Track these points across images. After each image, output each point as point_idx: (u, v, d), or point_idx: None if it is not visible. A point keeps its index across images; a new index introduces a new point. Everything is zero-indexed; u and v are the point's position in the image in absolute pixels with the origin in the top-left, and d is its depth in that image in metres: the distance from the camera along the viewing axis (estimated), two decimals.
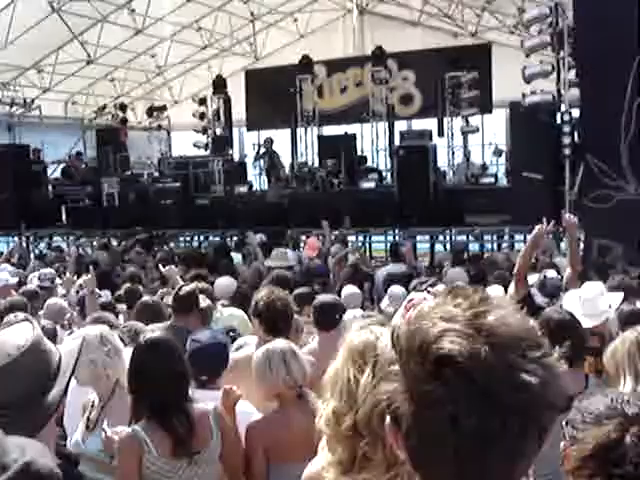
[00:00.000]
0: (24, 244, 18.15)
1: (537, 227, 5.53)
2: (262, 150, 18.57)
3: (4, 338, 2.03)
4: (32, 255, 16.26)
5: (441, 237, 15.46)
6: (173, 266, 7.82)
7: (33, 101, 21.05)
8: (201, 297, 5.55)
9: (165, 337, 3.62)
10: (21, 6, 17.57)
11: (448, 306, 1.09)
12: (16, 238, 18.30)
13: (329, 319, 5.01)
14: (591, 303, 4.72)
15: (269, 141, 18.90)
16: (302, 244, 13.55)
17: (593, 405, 2.03)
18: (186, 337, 4.19)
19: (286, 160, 19.65)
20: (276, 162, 18.50)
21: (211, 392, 3.79)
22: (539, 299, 5.61)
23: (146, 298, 6.18)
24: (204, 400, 3.46)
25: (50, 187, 20.11)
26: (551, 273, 6.31)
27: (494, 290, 6.07)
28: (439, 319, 1.07)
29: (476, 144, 17.52)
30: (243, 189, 17.53)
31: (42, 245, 18.69)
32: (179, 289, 5.50)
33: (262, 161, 18.53)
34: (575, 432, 1.98)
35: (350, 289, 7.28)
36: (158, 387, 3.24)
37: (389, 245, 12.86)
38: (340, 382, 1.95)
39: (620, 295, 5.00)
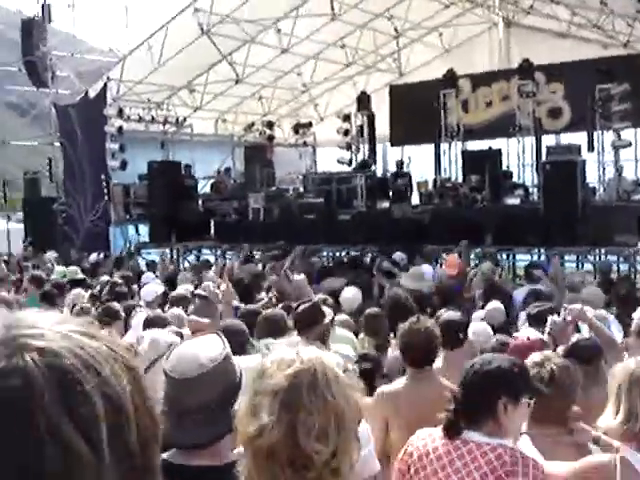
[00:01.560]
0: (174, 256, 18.96)
1: None
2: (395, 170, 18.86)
3: (197, 349, 2.21)
4: (181, 267, 16.95)
5: (589, 257, 14.87)
6: (303, 276, 7.87)
7: (185, 119, 21.99)
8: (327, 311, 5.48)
9: None
10: (173, 29, 18.40)
11: None
12: (167, 250, 19.16)
13: (452, 338, 4.94)
14: None
15: (400, 163, 19.42)
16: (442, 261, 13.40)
17: None
18: None
19: (429, 175, 19.56)
20: (410, 182, 18.76)
21: None
22: None
23: (268, 312, 6.23)
24: None
25: (200, 202, 20.90)
26: None
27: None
28: None
29: (629, 159, 16.74)
30: (385, 205, 17.56)
31: (191, 257, 19.44)
32: (300, 303, 5.50)
33: (399, 181, 18.63)
34: None
35: (494, 304, 7.16)
36: None
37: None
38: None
39: None
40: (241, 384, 2.25)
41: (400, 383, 4.25)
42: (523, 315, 6.67)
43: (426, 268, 11.09)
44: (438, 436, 2.96)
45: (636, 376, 3.05)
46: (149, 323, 5.71)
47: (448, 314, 5.50)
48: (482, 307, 7.72)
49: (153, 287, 9.08)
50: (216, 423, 2.19)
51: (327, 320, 5.11)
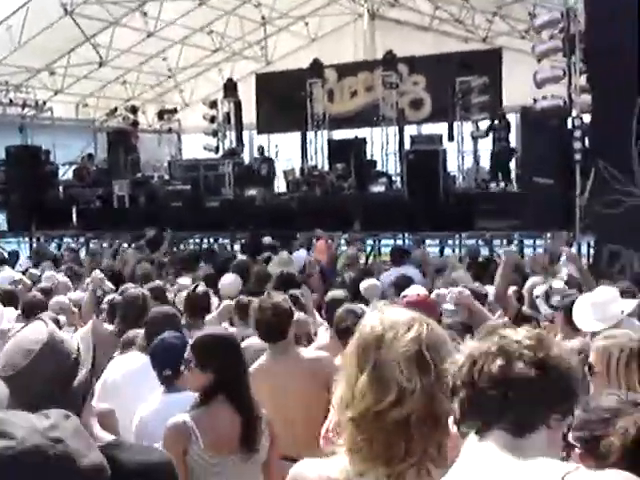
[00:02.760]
0: (34, 245, 18.26)
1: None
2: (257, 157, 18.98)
3: (20, 337, 2.10)
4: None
5: (450, 242, 15.44)
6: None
7: (45, 103, 21.15)
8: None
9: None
10: (34, 8, 17.69)
11: None
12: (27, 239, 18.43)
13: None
14: (602, 307, 4.70)
15: (261, 149, 19.57)
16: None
17: (604, 404, 2.05)
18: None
19: (296, 164, 19.75)
20: (272, 168, 19.04)
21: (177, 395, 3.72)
22: (543, 308, 5.65)
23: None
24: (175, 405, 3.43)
25: (61, 189, 20.21)
26: (557, 283, 6.28)
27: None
28: None
29: (486, 149, 17.50)
30: (253, 192, 17.59)
31: (52, 246, 18.78)
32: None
33: (261, 167, 18.71)
34: (598, 431, 2.00)
35: (369, 281, 7.35)
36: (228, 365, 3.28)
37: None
38: (347, 371, 1.90)
39: (634, 301, 4.96)
40: (78, 360, 2.10)
41: (261, 360, 4.30)
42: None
43: (299, 253, 11.18)
44: None
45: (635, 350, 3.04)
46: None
47: (333, 292, 5.64)
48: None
49: (10, 273, 8.81)
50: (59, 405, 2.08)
51: None
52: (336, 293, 5.70)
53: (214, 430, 3.17)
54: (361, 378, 1.83)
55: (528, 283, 6.24)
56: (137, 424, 3.66)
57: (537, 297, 5.93)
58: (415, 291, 4.84)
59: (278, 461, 3.35)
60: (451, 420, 1.64)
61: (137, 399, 3.95)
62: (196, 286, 5.88)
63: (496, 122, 16.57)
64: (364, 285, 7.17)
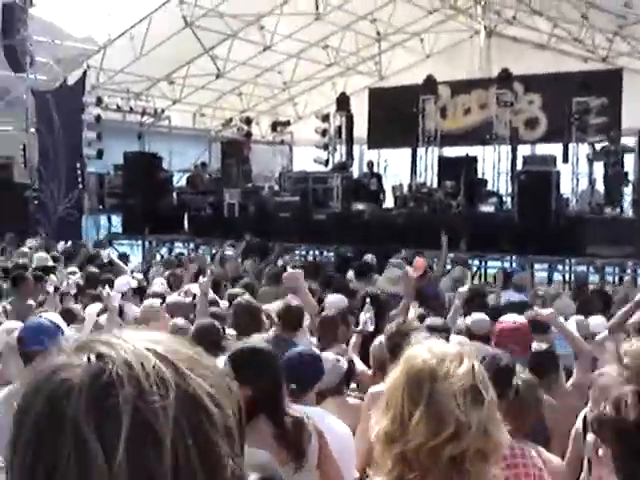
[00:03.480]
0: (147, 248, 18.88)
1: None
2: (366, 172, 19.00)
3: None
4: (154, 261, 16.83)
5: (560, 267, 15.04)
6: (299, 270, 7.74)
7: (163, 111, 21.89)
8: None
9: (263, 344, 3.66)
10: (156, 19, 18.34)
11: None
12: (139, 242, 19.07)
13: None
14: None
15: (370, 164, 19.54)
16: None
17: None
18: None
19: (405, 179, 19.67)
20: (381, 184, 19.09)
21: (301, 407, 3.66)
22: None
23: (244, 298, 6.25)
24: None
25: (175, 195, 20.82)
26: None
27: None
28: None
29: (602, 172, 16.95)
30: (361, 206, 17.65)
31: (164, 250, 19.34)
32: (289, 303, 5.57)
33: (370, 182, 18.74)
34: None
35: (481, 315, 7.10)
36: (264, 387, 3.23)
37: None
38: (394, 406, 1.85)
39: None
40: None
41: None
42: None
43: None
44: None
45: None
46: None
47: (432, 319, 5.53)
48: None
49: (126, 279, 9.03)
50: None
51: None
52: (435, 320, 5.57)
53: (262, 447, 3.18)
54: (416, 412, 1.79)
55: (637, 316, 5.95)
56: None
57: None
58: (512, 318, 4.69)
59: (330, 460, 3.34)
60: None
61: None
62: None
63: (610, 145, 16.02)
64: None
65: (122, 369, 0.85)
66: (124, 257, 15.39)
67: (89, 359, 0.87)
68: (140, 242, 19.38)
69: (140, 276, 10.26)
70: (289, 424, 3.23)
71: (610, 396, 1.56)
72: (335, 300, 7.38)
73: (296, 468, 3.18)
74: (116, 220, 20.87)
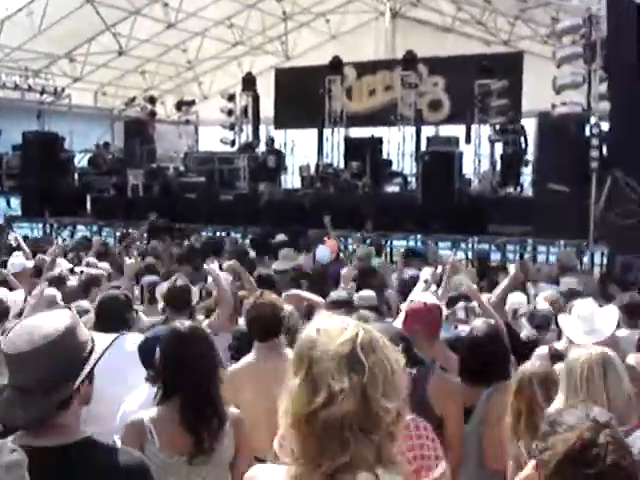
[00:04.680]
0: (47, 231, 18.34)
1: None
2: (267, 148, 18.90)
3: (41, 322, 2.14)
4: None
5: (463, 245, 15.36)
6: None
7: (63, 90, 21.21)
8: None
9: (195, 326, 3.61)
10: None
11: None
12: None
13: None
14: (589, 320, 4.66)
15: (270, 140, 19.37)
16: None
17: (564, 417, 2.02)
18: None
19: (312, 160, 19.69)
20: (281, 159, 18.94)
21: None
22: (527, 330, 5.59)
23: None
24: None
25: (76, 176, 20.28)
26: (542, 304, 6.21)
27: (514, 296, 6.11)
28: None
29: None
30: (261, 186, 17.60)
31: (65, 233, 18.83)
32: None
33: (267, 159, 18.65)
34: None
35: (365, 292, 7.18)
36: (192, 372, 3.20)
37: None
38: (288, 378, 1.89)
39: (614, 308, 4.95)
40: (90, 358, 2.20)
41: (246, 359, 4.28)
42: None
43: (323, 250, 11.04)
44: None
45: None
46: None
47: (335, 293, 5.57)
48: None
49: (21, 260, 8.77)
50: (51, 397, 2.11)
51: None
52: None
53: (169, 430, 3.13)
54: (293, 383, 1.83)
55: (512, 298, 6.09)
56: (120, 416, 3.60)
57: (521, 316, 5.89)
58: (423, 299, 4.71)
59: (250, 462, 3.30)
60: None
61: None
62: (176, 280, 5.82)
63: (509, 126, 16.41)
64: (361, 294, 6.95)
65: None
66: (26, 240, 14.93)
67: None
68: (40, 225, 18.81)
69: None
70: (201, 412, 3.18)
71: None
72: None
73: (200, 459, 3.14)
74: (15, 202, 20.17)
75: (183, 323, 3.48)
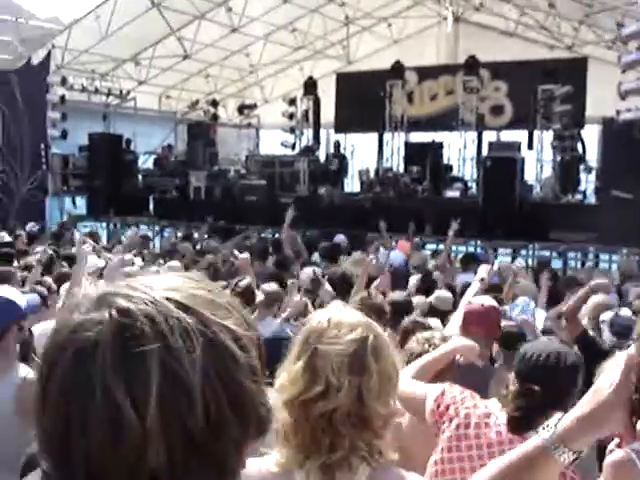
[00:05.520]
0: (111, 230, 18.76)
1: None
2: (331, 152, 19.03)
3: None
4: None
5: (523, 251, 15.22)
6: (247, 254, 7.77)
7: (129, 92, 21.67)
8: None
9: None
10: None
11: None
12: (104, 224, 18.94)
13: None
14: None
15: (337, 144, 19.56)
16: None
17: None
18: None
19: (371, 164, 19.73)
20: (344, 163, 19.06)
21: None
22: (606, 336, 5.49)
23: None
24: None
25: (140, 177, 20.69)
26: (624, 311, 6.05)
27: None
28: None
29: None
30: (321, 190, 17.69)
31: (129, 232, 19.21)
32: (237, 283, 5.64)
33: (332, 162, 18.77)
34: None
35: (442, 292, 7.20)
36: None
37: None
38: (289, 360, 1.94)
39: None
40: None
41: None
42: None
43: (396, 253, 11.09)
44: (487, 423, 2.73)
45: None
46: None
47: (395, 294, 5.62)
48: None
49: (94, 259, 8.97)
50: None
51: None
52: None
53: None
54: (296, 366, 1.89)
55: (592, 301, 5.99)
56: None
57: (603, 322, 5.79)
58: (481, 301, 4.71)
59: None
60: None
61: None
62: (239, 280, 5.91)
63: (566, 132, 16.19)
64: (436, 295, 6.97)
65: (146, 325, 0.85)
66: (94, 235, 15.25)
67: (110, 315, 0.86)
68: (105, 224, 19.25)
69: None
70: None
71: None
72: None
73: None
74: (80, 202, 20.67)
75: None
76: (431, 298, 6.56)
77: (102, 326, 0.85)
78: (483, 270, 4.80)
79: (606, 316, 5.85)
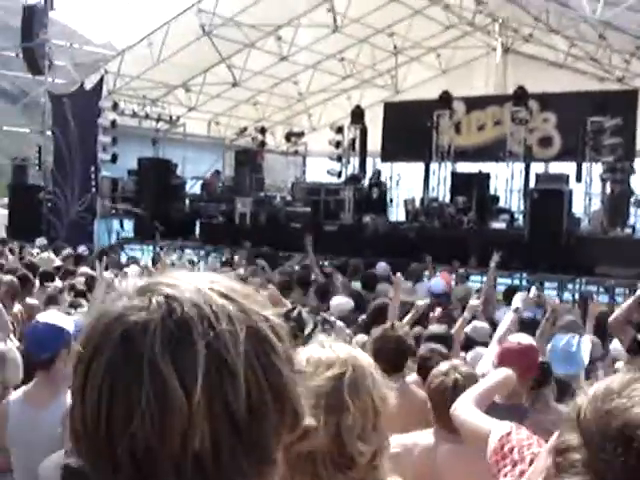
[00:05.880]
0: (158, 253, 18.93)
1: None
2: (372, 181, 18.99)
3: None
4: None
5: (570, 286, 15.00)
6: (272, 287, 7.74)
7: (179, 118, 22.00)
8: None
9: None
10: (174, 27, 18.49)
11: None
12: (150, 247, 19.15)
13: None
14: None
15: (377, 172, 19.62)
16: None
17: None
18: None
19: (417, 194, 19.67)
20: (384, 192, 19.09)
21: None
22: None
23: None
24: None
25: (187, 201, 20.93)
26: None
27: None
28: None
29: None
30: (366, 218, 17.68)
31: (174, 256, 19.36)
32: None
33: (373, 192, 18.74)
34: None
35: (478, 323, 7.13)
36: None
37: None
38: None
39: None
40: None
41: None
42: None
43: (437, 280, 11.07)
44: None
45: None
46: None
47: (435, 327, 5.56)
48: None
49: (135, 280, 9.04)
50: None
51: None
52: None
53: None
54: None
55: None
56: None
57: None
58: (517, 339, 4.60)
59: None
60: None
61: None
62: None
63: (618, 164, 15.97)
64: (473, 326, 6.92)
65: (191, 309, 0.88)
66: (134, 260, 15.48)
67: (157, 301, 0.89)
68: (151, 247, 19.45)
69: None
70: None
71: None
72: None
73: None
74: (128, 225, 20.95)
75: None
76: (468, 329, 6.46)
77: (149, 310, 0.88)
78: (518, 299, 4.67)
79: None
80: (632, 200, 16.14)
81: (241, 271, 12.62)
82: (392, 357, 4.23)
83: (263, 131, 22.97)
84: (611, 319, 5.34)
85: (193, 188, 22.00)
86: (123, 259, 16.64)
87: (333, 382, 1.80)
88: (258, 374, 0.89)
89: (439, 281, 10.86)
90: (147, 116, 21.00)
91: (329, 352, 1.88)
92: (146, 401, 0.83)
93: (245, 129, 23.35)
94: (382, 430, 1.85)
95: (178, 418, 0.83)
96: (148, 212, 19.27)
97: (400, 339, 4.34)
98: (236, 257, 16.17)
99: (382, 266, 12.71)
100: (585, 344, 6.40)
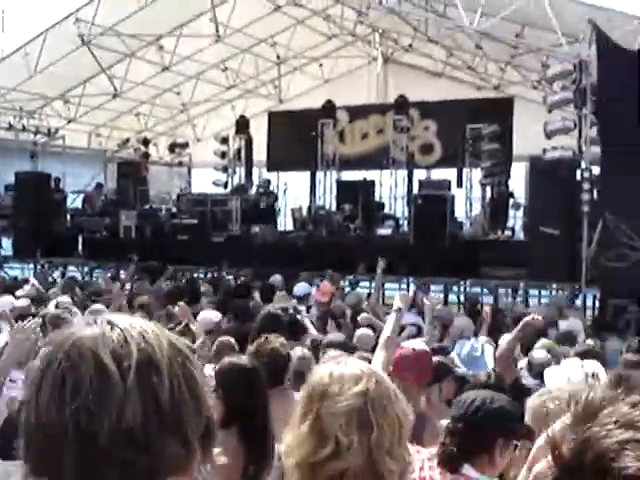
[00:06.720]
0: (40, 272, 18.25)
1: (528, 317, 5.54)
2: (261, 191, 18.97)
3: None
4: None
5: (455, 288, 15.38)
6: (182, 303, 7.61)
7: (57, 131, 21.30)
8: None
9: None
10: (51, 37, 17.91)
11: (623, 406, 0.92)
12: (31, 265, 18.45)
13: None
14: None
15: (266, 182, 19.58)
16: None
17: None
18: None
19: (304, 203, 19.77)
20: (273, 201, 19.12)
21: None
22: (529, 381, 5.48)
23: None
24: None
25: (69, 217, 20.27)
26: (539, 353, 6.07)
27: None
28: (615, 426, 0.89)
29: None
30: (256, 228, 17.65)
31: (56, 274, 18.75)
32: None
33: (261, 200, 18.74)
34: None
35: (363, 330, 7.15)
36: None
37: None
38: (294, 418, 1.90)
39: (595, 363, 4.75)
40: None
41: None
42: None
43: (302, 285, 11.17)
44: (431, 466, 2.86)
45: None
46: None
47: (333, 335, 5.55)
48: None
49: (9, 299, 8.73)
50: None
51: None
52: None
53: (218, 460, 3.14)
54: (302, 427, 1.81)
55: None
56: None
57: (521, 369, 5.81)
58: (412, 345, 4.62)
59: None
60: None
61: None
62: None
63: (494, 169, 16.57)
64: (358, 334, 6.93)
65: (127, 330, 1.10)
66: (24, 281, 14.78)
67: (100, 321, 1.12)
68: (32, 266, 18.74)
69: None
70: (254, 444, 3.24)
71: None
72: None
73: None
74: (6, 243, 20.12)
75: (241, 358, 3.69)
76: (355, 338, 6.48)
77: (93, 330, 1.10)
78: (398, 299, 4.66)
79: (522, 362, 5.93)
80: (511, 203, 16.72)
81: (127, 286, 12.37)
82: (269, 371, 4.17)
83: (146, 142, 22.53)
84: (497, 354, 5.46)
85: (74, 202, 21.32)
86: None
87: (361, 398, 1.78)
88: (178, 374, 1.09)
89: (302, 285, 11.13)
90: (24, 129, 20.25)
91: (352, 367, 1.87)
92: (89, 378, 1.04)
93: (127, 140, 22.87)
94: (406, 446, 1.83)
95: (115, 394, 1.03)
96: (27, 229, 18.54)
97: (274, 351, 4.30)
98: (122, 272, 15.77)
99: (277, 279, 12.65)
100: (488, 348, 6.58)
